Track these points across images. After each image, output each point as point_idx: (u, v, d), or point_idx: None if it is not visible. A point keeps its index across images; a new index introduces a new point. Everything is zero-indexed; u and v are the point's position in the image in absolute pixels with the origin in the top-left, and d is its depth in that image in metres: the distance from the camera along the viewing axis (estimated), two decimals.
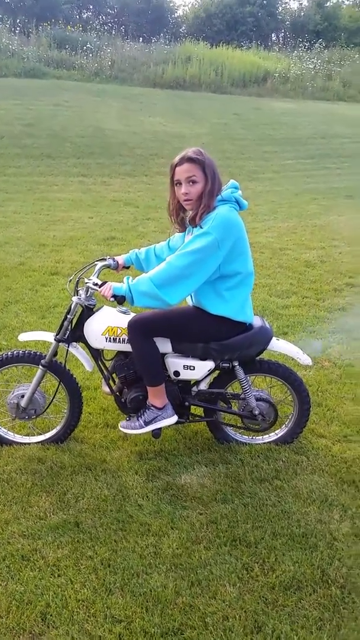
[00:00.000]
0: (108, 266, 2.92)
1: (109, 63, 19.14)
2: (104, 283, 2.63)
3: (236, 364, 2.80)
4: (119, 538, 2.39)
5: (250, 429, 3.01)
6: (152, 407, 2.76)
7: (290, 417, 3.07)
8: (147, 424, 2.76)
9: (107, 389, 2.90)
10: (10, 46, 18.16)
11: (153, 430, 2.79)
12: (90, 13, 31.71)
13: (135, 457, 2.94)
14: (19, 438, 3.03)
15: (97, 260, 2.93)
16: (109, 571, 2.22)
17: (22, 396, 2.87)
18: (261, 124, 16.24)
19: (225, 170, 12.28)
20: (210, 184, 2.52)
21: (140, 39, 23.15)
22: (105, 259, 2.93)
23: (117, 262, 2.96)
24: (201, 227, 2.50)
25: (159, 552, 2.33)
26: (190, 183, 2.53)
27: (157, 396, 2.74)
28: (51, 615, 2.02)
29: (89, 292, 2.75)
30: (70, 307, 2.77)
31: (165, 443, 3.06)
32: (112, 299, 2.54)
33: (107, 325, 2.73)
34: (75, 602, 2.08)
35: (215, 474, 2.83)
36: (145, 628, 1.98)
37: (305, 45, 25.24)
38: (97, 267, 2.85)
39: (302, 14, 31.28)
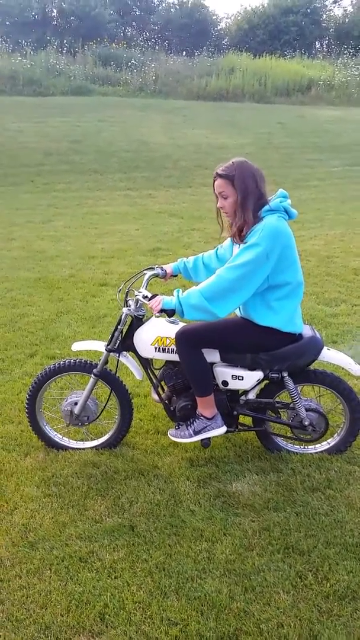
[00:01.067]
0: (156, 275, 2.97)
1: (153, 78, 19.51)
2: (154, 296, 2.67)
3: (285, 374, 2.77)
4: (173, 542, 2.43)
5: (301, 439, 2.97)
6: (201, 417, 2.77)
7: (341, 426, 3.03)
8: (196, 433, 2.78)
9: (156, 397, 2.94)
10: (58, 66, 18.80)
11: (202, 440, 2.81)
12: (135, 30, 32.41)
13: (186, 463, 2.98)
14: (73, 443, 3.12)
15: (145, 270, 2.98)
16: (164, 574, 2.26)
17: (76, 403, 2.96)
18: (305, 132, 16.15)
19: (270, 179, 12.02)
20: (241, 198, 2.51)
21: (184, 52, 23.49)
22: (153, 268, 2.99)
23: (165, 270, 3.01)
24: (245, 242, 2.51)
25: (212, 558, 2.35)
26: (223, 198, 2.58)
27: (206, 406, 2.75)
28: (109, 616, 2.07)
29: (138, 304, 2.80)
30: (120, 317, 2.84)
31: (216, 450, 3.09)
32: (158, 313, 2.59)
33: (156, 336, 2.77)
34: (132, 603, 2.13)
35: (266, 482, 2.83)
36: (201, 632, 2.01)
37: (350, 52, 24.97)
38: (145, 277, 2.90)
39: (347, 20, 30.96)
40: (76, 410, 2.94)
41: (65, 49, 21.37)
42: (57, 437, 3.10)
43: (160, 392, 2.95)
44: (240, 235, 2.58)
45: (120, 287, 2.94)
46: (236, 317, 2.78)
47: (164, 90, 19.12)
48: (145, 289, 2.84)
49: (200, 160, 13.12)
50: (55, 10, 28.45)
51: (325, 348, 2.81)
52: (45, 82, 17.80)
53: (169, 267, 3.04)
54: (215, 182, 2.59)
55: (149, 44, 25.62)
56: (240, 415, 2.93)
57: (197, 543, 2.43)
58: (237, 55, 22.35)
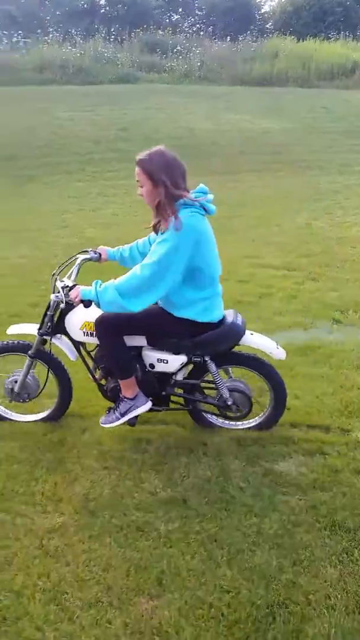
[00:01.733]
0: (89, 259, 3.05)
1: (198, 64, 19.41)
2: (73, 286, 2.76)
3: (207, 358, 2.88)
4: (224, 516, 2.56)
5: (227, 417, 3.10)
6: (125, 399, 2.90)
7: (267, 405, 3.13)
8: (122, 415, 2.91)
9: (91, 377, 3.06)
10: (106, 54, 18.95)
11: (129, 420, 2.94)
12: (179, 16, 32.21)
13: (234, 443, 3.10)
14: (15, 416, 3.31)
15: (78, 254, 3.04)
16: (215, 546, 2.40)
17: (16, 381, 3.12)
18: (350, 116, 15.77)
19: (314, 164, 12.15)
20: (156, 189, 2.52)
21: (228, 37, 23.19)
22: (87, 252, 3.05)
23: (100, 254, 3.08)
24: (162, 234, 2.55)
25: (261, 532, 2.47)
26: (140, 186, 2.59)
27: (127, 388, 2.88)
28: (166, 581, 2.22)
29: (64, 291, 2.83)
30: (49, 303, 2.90)
31: (262, 433, 3.19)
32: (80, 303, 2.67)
33: (84, 321, 2.87)
34: (187, 571, 2.27)
35: (312, 464, 2.93)
36: (252, 599, 2.13)
37: None
38: (77, 262, 3.00)
39: None
40: (16, 388, 3.12)
41: (112, 37, 21.50)
42: (1, 410, 3.30)
43: (97, 373, 3.05)
44: (155, 227, 2.67)
45: (54, 272, 2.94)
46: (156, 306, 2.80)
47: (208, 77, 19.00)
48: (76, 274, 2.97)
49: (245, 146, 13.06)
50: None
51: (248, 332, 2.90)
52: (93, 71, 17.99)
53: (103, 251, 3.10)
54: (136, 169, 2.60)
55: (194, 29, 25.45)
56: (172, 396, 3.05)
57: (246, 517, 2.55)
58: (281, 39, 21.93)
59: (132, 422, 2.98)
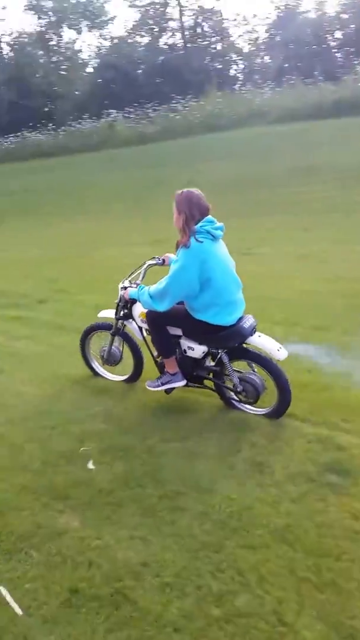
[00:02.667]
0: (155, 264, 3.81)
1: None
2: (126, 287, 3.68)
3: (221, 351, 3.41)
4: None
5: (241, 400, 3.50)
6: (167, 373, 3.59)
7: (275, 398, 3.37)
8: (162, 384, 3.60)
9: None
10: None
11: (166, 389, 3.63)
12: None
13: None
14: (109, 376, 4.18)
15: (147, 260, 3.81)
16: None
17: (106, 351, 4.00)
18: None
19: None
20: (177, 220, 3.25)
21: None
22: (154, 258, 3.82)
23: (164, 260, 3.82)
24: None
25: None
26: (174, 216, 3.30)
27: (169, 365, 3.58)
28: None
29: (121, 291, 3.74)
30: (120, 297, 3.75)
31: None
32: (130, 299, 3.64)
33: (140, 311, 3.64)
34: None
35: None
36: None
37: None
38: (143, 267, 3.80)
39: None
40: (105, 355, 4.00)
41: None
42: (100, 370, 4.22)
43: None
44: (176, 246, 3.30)
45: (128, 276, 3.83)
46: (184, 307, 3.46)
47: None
48: (143, 276, 3.76)
49: None
50: None
51: (257, 334, 3.39)
52: None
53: (167, 258, 3.82)
54: None
55: None
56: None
57: None
58: None
59: (168, 391, 3.67)
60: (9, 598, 2.11)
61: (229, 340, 3.37)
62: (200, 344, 3.48)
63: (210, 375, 3.59)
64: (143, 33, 28.98)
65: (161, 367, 3.68)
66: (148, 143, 20.79)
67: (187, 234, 3.18)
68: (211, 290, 3.24)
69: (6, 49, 31.65)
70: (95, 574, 2.21)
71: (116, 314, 3.84)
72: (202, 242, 3.14)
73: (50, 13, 30.45)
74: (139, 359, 3.94)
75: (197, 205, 3.22)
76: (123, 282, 3.76)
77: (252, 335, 3.37)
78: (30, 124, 25.02)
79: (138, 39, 29.12)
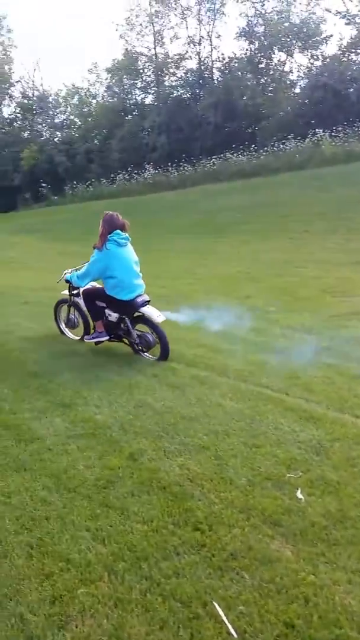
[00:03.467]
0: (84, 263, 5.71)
1: None
2: (67, 272, 5.77)
3: (126, 317, 5.28)
4: None
5: (142, 350, 5.33)
6: (96, 331, 5.51)
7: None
8: (93, 338, 5.53)
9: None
10: None
11: (96, 342, 5.57)
12: None
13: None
14: (70, 335, 6.15)
15: (82, 262, 5.76)
16: None
17: (67, 318, 6.14)
18: None
19: None
20: (100, 231, 5.18)
21: None
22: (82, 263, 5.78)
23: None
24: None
25: None
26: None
27: (98, 326, 5.48)
28: None
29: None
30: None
31: None
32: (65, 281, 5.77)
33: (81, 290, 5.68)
34: None
35: None
36: None
37: None
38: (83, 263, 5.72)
39: None
40: (66, 321, 6.16)
41: None
42: (65, 331, 6.18)
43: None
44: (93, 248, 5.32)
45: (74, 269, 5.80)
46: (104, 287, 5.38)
47: None
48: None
49: None
50: None
51: (146, 307, 5.18)
52: None
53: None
54: None
55: None
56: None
57: None
58: None
59: (97, 343, 5.61)
60: (223, 616, 2.11)
61: (127, 310, 5.25)
62: (114, 312, 5.36)
63: (124, 334, 5.45)
64: (359, 50, 28.13)
65: (93, 327, 5.64)
66: (355, 161, 20.09)
67: (102, 242, 5.14)
68: (115, 278, 5.15)
69: (216, 74, 33.43)
70: (312, 613, 2.11)
71: (69, 293, 5.90)
72: (109, 249, 5.11)
73: (262, 37, 31.34)
74: (86, 322, 5.81)
75: (111, 224, 5.18)
76: (67, 271, 5.81)
77: (142, 307, 5.19)
78: (233, 145, 25.95)
79: (353, 57, 28.35)
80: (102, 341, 5.51)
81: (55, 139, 37.15)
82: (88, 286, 5.53)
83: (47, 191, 32.27)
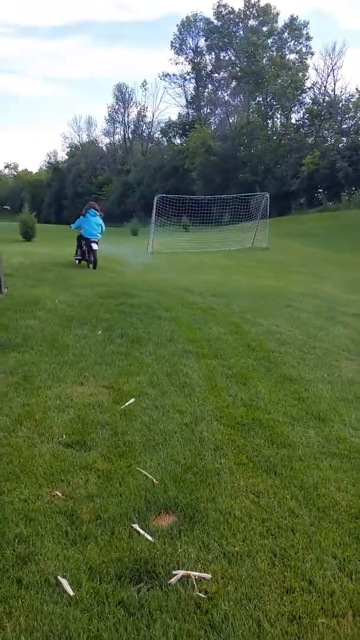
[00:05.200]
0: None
1: None
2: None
3: (86, 246, 11.79)
4: None
5: (94, 266, 11.59)
6: (78, 253, 12.02)
7: None
8: (76, 258, 11.95)
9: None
10: None
11: (77, 260, 11.96)
12: None
13: None
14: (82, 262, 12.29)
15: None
16: None
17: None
18: None
19: None
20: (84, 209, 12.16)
21: None
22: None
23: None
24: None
25: None
26: None
27: (80, 252, 11.99)
28: None
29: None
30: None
31: None
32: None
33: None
34: None
35: None
36: None
37: None
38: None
39: None
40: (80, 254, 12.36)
41: None
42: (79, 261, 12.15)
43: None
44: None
45: None
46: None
47: None
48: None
49: None
50: None
51: (93, 243, 11.67)
52: None
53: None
54: None
55: None
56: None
57: None
58: None
59: (78, 261, 11.89)
60: None
61: (87, 243, 11.49)
62: (84, 244, 11.57)
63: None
64: None
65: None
66: None
67: (84, 213, 11.81)
68: (84, 229, 11.66)
69: None
70: None
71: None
72: (85, 215, 11.74)
73: None
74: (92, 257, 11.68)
75: (89, 207, 11.93)
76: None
77: (92, 243, 11.47)
78: None
79: None
80: (79, 259, 11.79)
81: (340, 145, 36.67)
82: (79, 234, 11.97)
83: (322, 197, 32.18)
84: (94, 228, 11.59)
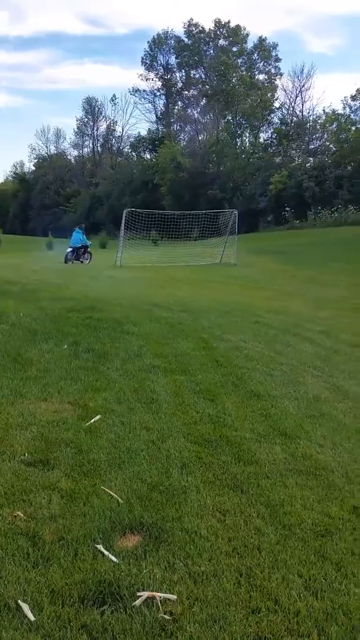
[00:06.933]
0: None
1: None
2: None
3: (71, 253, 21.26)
4: None
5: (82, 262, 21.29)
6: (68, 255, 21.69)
7: None
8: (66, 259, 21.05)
9: None
10: None
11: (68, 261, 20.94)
12: None
13: None
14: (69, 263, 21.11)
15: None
16: None
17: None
18: None
19: None
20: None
21: None
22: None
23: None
24: None
25: None
26: None
27: (70, 256, 20.99)
28: None
29: None
30: None
31: None
32: None
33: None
34: None
35: None
36: None
37: None
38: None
39: None
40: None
41: None
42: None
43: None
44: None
45: None
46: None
47: None
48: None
49: None
50: None
51: (70, 250, 20.84)
52: None
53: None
54: None
55: None
56: None
57: None
58: None
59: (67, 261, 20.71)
60: None
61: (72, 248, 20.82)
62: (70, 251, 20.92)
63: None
64: None
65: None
66: None
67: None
68: (70, 240, 21.02)
69: None
70: None
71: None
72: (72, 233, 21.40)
73: None
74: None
75: (78, 227, 21.55)
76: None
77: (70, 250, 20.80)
78: None
79: None
80: (69, 260, 19.78)
81: (307, 165, 37.57)
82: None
83: (289, 215, 32.81)
84: (75, 241, 20.70)
